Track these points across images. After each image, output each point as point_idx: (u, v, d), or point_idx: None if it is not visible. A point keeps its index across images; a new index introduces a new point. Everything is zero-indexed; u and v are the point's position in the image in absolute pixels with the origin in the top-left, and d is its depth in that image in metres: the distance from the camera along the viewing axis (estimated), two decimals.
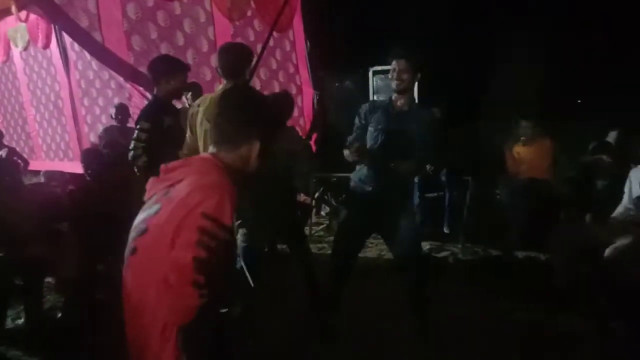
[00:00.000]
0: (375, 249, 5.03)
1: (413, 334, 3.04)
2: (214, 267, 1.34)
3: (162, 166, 1.57)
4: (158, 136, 3.16)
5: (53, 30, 5.97)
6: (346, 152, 2.92)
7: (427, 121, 2.97)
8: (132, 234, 1.51)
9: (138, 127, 3.23)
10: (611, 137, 4.68)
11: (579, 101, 7.68)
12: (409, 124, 2.92)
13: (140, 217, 1.52)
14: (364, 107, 3.12)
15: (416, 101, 3.16)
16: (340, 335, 3.09)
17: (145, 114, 3.29)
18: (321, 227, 6.04)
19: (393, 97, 3.03)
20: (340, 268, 3.14)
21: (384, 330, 3.19)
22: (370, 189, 2.97)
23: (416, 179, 5.39)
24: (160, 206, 1.43)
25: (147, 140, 3.17)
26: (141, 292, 1.41)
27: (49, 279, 3.83)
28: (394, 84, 2.96)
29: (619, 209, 3.73)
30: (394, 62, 2.94)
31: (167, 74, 3.27)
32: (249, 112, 1.60)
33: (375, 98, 6.89)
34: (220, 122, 1.59)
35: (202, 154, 1.62)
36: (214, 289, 1.35)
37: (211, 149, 1.59)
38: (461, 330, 3.16)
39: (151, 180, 1.59)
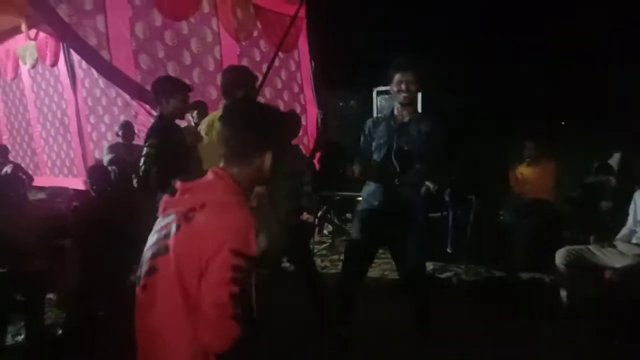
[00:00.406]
0: (378, 268, 5.00)
1: (415, 353, 3.01)
2: (246, 296, 1.41)
3: (179, 184, 1.54)
4: (166, 153, 3.19)
5: (61, 48, 6.06)
6: (355, 168, 2.92)
7: (432, 127, 2.96)
8: (149, 252, 1.49)
9: (147, 143, 3.27)
10: (615, 158, 4.68)
11: (563, 123, 7.69)
12: (414, 134, 2.93)
13: (157, 236, 1.50)
14: (368, 122, 3.14)
15: (417, 111, 3.15)
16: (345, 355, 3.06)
17: (153, 131, 3.34)
18: (324, 245, 6.02)
19: (396, 111, 3.03)
20: (350, 283, 3.12)
21: (387, 350, 3.16)
22: (377, 203, 2.97)
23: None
24: (181, 228, 1.43)
25: (156, 155, 3.19)
26: (163, 314, 1.42)
27: (50, 295, 3.81)
28: (401, 97, 2.95)
29: (624, 231, 3.71)
30: (398, 75, 2.93)
31: (168, 93, 3.31)
32: (257, 123, 1.57)
33: None
34: (229, 138, 1.56)
35: (215, 170, 1.55)
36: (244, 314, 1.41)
37: (222, 164, 1.57)
38: (464, 351, 3.13)
39: (166, 197, 1.56)
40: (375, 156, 2.99)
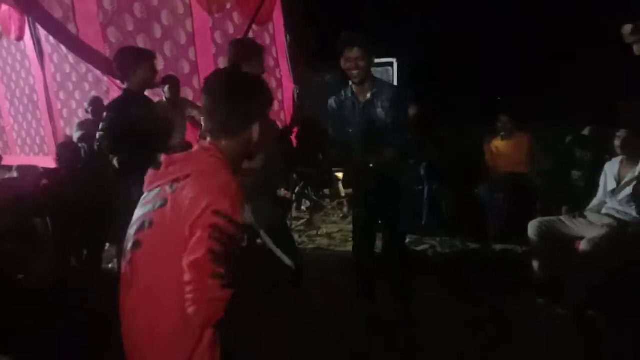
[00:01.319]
0: None
1: (390, 327, 3.06)
2: (232, 261, 1.34)
3: (164, 157, 1.50)
4: (123, 126, 3.11)
5: (27, 22, 5.84)
6: (332, 156, 2.91)
7: (395, 99, 2.89)
8: (134, 227, 1.47)
9: (103, 117, 3.25)
10: (586, 132, 4.74)
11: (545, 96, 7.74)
12: (380, 111, 2.87)
13: (142, 210, 1.47)
14: (331, 103, 3.05)
15: (375, 81, 3.01)
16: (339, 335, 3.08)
17: (109, 106, 3.32)
18: (301, 221, 6.03)
19: (355, 89, 2.92)
20: (362, 257, 3.18)
21: (365, 324, 3.20)
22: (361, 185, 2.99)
23: None
24: (166, 200, 1.40)
25: (109, 128, 3.15)
26: (147, 288, 1.39)
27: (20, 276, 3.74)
28: (354, 75, 2.83)
29: (594, 202, 3.78)
30: (346, 52, 2.80)
31: (132, 64, 3.22)
32: (244, 94, 1.52)
33: None
34: (215, 110, 1.51)
35: (202, 144, 1.54)
36: (237, 282, 1.36)
37: (209, 138, 1.53)
38: (440, 323, 3.18)
39: (151, 172, 1.52)
40: (346, 138, 2.96)
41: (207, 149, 1.49)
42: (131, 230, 1.48)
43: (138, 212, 1.49)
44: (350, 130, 2.94)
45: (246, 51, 3.12)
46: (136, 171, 2.49)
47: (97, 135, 3.21)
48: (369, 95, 2.92)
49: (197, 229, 1.32)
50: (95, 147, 3.24)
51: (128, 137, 3.05)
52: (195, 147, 1.54)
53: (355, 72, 2.83)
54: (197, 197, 1.34)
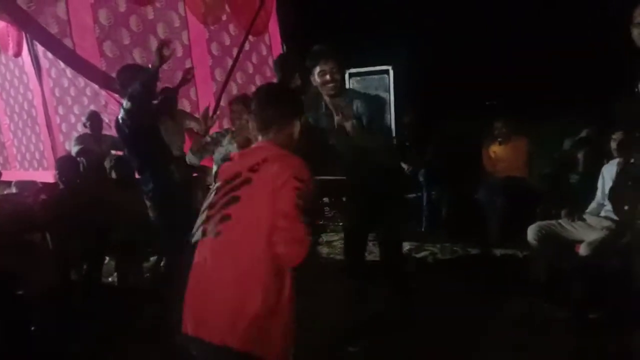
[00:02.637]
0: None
1: (393, 332, 3.06)
2: (309, 213, 1.73)
3: (233, 154, 1.97)
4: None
5: (24, 37, 5.88)
6: None
7: (368, 105, 2.84)
8: (217, 207, 1.76)
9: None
10: (584, 134, 4.73)
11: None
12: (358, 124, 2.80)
13: (222, 193, 1.78)
14: (310, 120, 2.94)
15: (348, 92, 2.99)
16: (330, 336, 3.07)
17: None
18: None
19: (330, 103, 2.84)
20: (353, 266, 3.19)
21: (366, 329, 3.18)
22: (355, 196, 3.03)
23: None
24: (251, 179, 1.74)
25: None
26: (242, 248, 1.67)
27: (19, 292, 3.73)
28: (329, 88, 2.77)
29: (593, 205, 3.77)
30: (322, 64, 2.76)
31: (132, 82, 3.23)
32: (290, 96, 2.00)
33: None
34: (266, 110, 1.90)
35: (259, 143, 1.90)
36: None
37: (260, 138, 1.90)
38: (441, 328, 3.17)
39: (223, 165, 1.92)
40: (331, 152, 2.97)
41: (266, 144, 1.88)
42: (211, 212, 1.77)
43: (213, 198, 1.80)
44: (333, 144, 2.94)
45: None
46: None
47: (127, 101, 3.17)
48: (341, 106, 2.88)
49: (283, 190, 1.69)
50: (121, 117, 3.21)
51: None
52: (254, 145, 1.92)
53: (331, 84, 2.79)
54: (281, 171, 1.72)
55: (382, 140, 2.93)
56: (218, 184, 1.85)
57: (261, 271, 1.65)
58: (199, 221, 1.80)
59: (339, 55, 2.80)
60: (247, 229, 1.68)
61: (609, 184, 3.65)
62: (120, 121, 3.25)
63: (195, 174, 4.69)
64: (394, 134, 5.41)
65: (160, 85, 4.74)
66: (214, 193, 1.83)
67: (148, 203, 3.35)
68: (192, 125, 4.87)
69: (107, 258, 4.31)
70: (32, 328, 3.50)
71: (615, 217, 3.55)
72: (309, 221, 1.70)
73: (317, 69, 2.79)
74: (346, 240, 3.26)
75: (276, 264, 1.66)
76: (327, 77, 2.77)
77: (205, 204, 1.83)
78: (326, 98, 2.88)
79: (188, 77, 4.49)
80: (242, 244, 1.67)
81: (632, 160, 2.18)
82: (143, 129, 3.20)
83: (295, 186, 1.69)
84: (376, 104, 2.94)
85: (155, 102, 3.43)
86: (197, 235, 1.78)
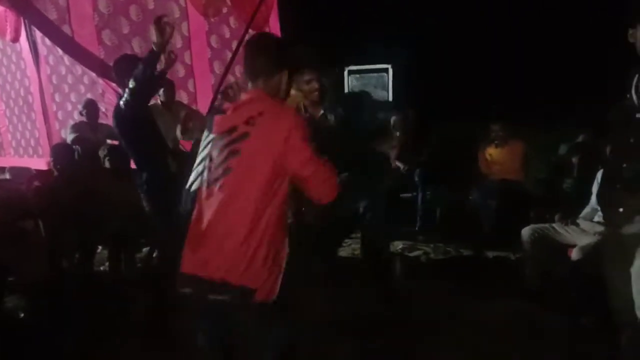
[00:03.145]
0: (348, 248, 5.02)
1: (384, 330, 3.06)
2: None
3: (228, 105, 1.97)
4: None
5: (22, 23, 5.82)
6: None
7: (345, 104, 2.90)
8: (218, 161, 1.84)
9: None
10: (580, 139, 4.75)
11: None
12: (334, 121, 2.83)
13: (218, 146, 1.86)
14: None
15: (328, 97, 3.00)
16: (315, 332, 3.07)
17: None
18: None
19: (309, 107, 2.85)
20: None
21: (357, 327, 3.18)
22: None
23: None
24: (248, 134, 1.81)
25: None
26: (244, 202, 1.79)
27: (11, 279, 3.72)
28: (315, 95, 2.79)
29: (586, 209, 3.79)
30: (309, 73, 2.77)
31: (129, 73, 3.20)
32: (279, 46, 2.02)
33: None
34: (255, 59, 1.95)
35: (250, 93, 1.94)
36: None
37: (250, 85, 1.95)
38: (433, 329, 3.18)
39: (217, 117, 1.93)
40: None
41: (257, 93, 1.93)
42: (209, 165, 1.87)
43: (212, 152, 1.87)
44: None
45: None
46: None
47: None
48: (322, 110, 2.89)
49: (293, 143, 1.79)
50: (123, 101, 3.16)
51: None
52: (247, 95, 1.95)
53: (317, 92, 2.81)
54: (283, 125, 1.81)
55: (360, 132, 2.93)
56: (212, 136, 1.91)
57: (260, 218, 1.78)
58: (196, 172, 1.92)
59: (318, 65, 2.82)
60: (248, 180, 1.80)
61: None
62: (123, 105, 3.19)
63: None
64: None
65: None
66: (209, 145, 1.91)
67: (142, 194, 3.33)
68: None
69: (100, 247, 4.31)
70: (23, 316, 3.50)
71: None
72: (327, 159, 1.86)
73: (304, 77, 2.81)
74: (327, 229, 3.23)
75: (274, 212, 1.80)
76: (315, 84, 2.81)
77: (201, 155, 1.92)
78: (307, 102, 2.88)
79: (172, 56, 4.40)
80: (242, 195, 1.80)
81: (624, 166, 2.19)
82: (142, 117, 3.15)
83: (301, 135, 1.82)
84: (351, 103, 2.95)
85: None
86: (196, 184, 1.90)
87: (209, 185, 1.86)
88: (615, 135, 2.41)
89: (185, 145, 4.23)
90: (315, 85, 2.79)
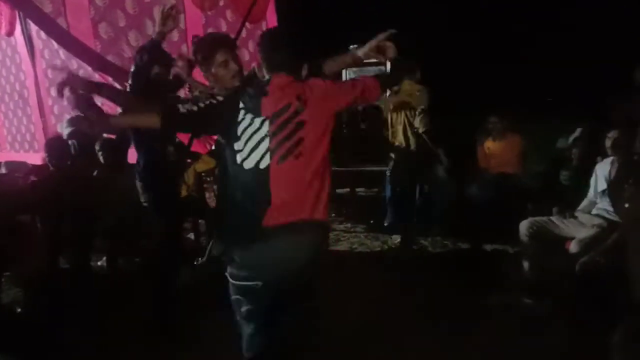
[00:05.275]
0: (346, 242, 5.03)
1: (381, 323, 3.07)
2: None
3: (270, 87, 2.06)
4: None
5: (17, 17, 5.77)
6: None
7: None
8: (281, 135, 2.01)
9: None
10: (578, 132, 4.74)
11: (549, 99, 7.82)
12: None
13: (275, 124, 2.02)
14: None
15: None
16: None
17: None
18: None
19: None
20: None
21: (353, 320, 3.18)
22: None
23: (387, 172, 5.40)
24: (306, 103, 2.04)
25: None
26: (318, 162, 2.07)
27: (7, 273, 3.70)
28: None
29: (584, 202, 3.79)
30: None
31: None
32: (294, 41, 2.16)
33: None
34: (279, 50, 2.09)
35: (279, 75, 2.08)
36: None
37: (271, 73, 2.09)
38: (430, 322, 3.19)
39: (265, 101, 2.04)
40: None
41: (285, 76, 2.08)
42: (275, 141, 2.01)
43: (271, 130, 2.01)
44: None
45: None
46: None
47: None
48: None
49: (334, 91, 2.12)
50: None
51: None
52: (278, 78, 2.08)
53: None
54: (319, 83, 2.12)
55: None
56: (262, 117, 2.03)
57: (324, 172, 2.08)
58: (258, 152, 2.01)
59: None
60: (317, 142, 2.05)
61: (601, 181, 3.68)
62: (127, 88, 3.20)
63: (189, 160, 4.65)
64: None
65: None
66: (265, 125, 2.03)
67: (138, 182, 3.31)
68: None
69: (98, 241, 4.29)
70: (20, 310, 3.49)
71: (606, 215, 3.57)
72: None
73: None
74: None
75: (325, 167, 2.10)
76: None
77: (256, 136, 2.02)
78: None
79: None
80: (317, 154, 2.05)
81: (635, 157, 2.18)
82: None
83: (331, 81, 2.16)
84: None
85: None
86: (263, 162, 2.01)
87: (284, 158, 2.02)
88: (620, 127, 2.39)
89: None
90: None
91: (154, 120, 2.10)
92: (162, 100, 3.01)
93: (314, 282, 2.13)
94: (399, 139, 5.06)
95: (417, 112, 4.89)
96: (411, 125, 4.94)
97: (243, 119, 2.03)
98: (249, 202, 2.04)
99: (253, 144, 2.01)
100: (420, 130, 4.88)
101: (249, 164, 2.01)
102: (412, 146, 4.96)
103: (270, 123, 2.02)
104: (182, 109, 2.12)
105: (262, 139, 2.01)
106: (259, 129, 2.02)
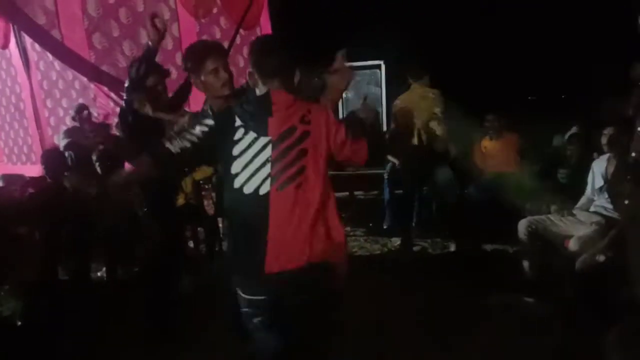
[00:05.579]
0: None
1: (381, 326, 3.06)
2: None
3: (274, 108, 1.94)
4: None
5: (12, 29, 5.79)
6: None
7: None
8: (283, 161, 1.90)
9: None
10: (574, 130, 4.75)
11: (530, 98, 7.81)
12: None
13: (278, 147, 1.91)
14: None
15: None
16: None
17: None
18: None
19: None
20: None
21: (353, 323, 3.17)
22: None
23: (385, 175, 5.40)
24: (310, 130, 1.94)
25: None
26: (319, 194, 1.93)
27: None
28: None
29: (582, 200, 3.79)
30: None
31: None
32: (287, 47, 2.05)
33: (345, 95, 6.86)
34: (272, 58, 1.99)
35: (277, 91, 1.97)
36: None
37: (269, 85, 1.97)
38: (431, 324, 3.18)
39: (272, 119, 1.92)
40: None
41: (286, 94, 1.98)
42: (277, 167, 1.91)
43: (274, 153, 1.90)
44: None
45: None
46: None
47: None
48: None
49: (335, 130, 1.97)
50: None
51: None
52: (278, 95, 1.97)
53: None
54: (328, 118, 1.99)
55: None
56: (267, 139, 1.92)
57: (327, 200, 1.97)
58: (258, 176, 1.90)
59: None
60: (317, 175, 1.93)
61: (598, 179, 3.67)
62: (124, 104, 3.18)
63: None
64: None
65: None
66: (268, 147, 1.92)
67: (136, 192, 3.31)
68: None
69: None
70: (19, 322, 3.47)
71: (604, 212, 3.57)
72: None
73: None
74: None
75: (330, 190, 2.00)
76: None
77: (259, 158, 1.91)
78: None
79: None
80: (317, 186, 1.93)
81: (632, 154, 2.17)
82: (141, 113, 3.11)
83: (340, 122, 2.03)
84: None
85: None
86: (263, 187, 1.89)
87: (283, 186, 1.90)
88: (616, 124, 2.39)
89: None
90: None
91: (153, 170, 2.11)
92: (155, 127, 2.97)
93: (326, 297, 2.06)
94: (409, 142, 4.99)
95: (432, 115, 4.81)
96: (424, 128, 4.85)
97: (242, 138, 1.92)
98: (249, 239, 1.93)
99: (255, 166, 1.90)
100: (437, 133, 4.80)
101: (251, 188, 1.89)
102: (422, 148, 4.88)
103: (274, 145, 1.91)
104: (173, 148, 2.03)
105: (264, 162, 1.90)
106: (261, 150, 1.90)
